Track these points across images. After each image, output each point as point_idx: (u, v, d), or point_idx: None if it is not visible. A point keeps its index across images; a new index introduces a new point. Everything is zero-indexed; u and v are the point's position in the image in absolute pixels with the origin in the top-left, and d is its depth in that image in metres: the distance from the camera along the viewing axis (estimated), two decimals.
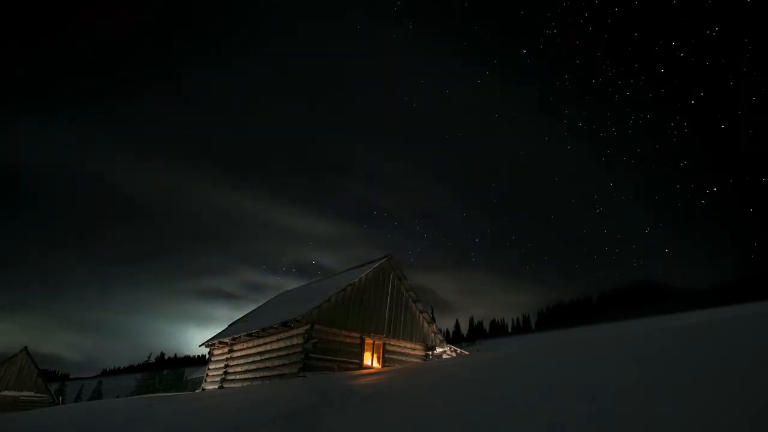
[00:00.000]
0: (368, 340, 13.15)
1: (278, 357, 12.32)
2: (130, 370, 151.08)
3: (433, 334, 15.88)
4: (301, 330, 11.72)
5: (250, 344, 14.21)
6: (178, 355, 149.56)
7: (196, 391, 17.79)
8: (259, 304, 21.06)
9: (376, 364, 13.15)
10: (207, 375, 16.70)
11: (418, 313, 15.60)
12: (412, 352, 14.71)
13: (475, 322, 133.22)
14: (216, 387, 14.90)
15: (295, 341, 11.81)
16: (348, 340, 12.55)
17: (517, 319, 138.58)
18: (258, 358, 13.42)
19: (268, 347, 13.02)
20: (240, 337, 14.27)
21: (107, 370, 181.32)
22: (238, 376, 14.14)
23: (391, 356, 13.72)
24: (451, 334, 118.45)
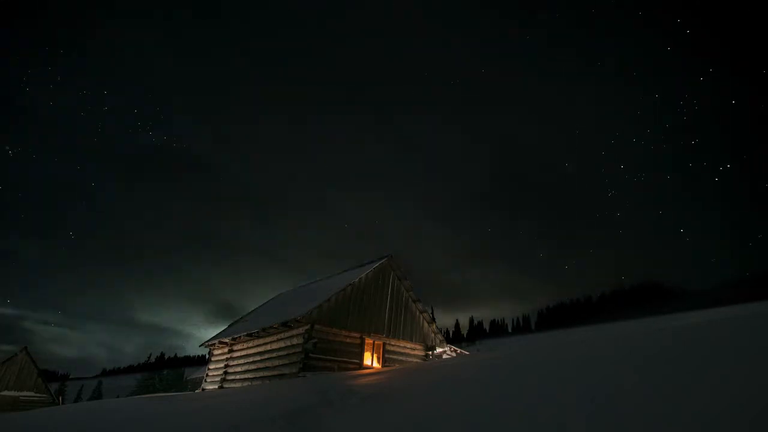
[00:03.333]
0: (368, 340, 13.15)
1: (278, 357, 12.32)
2: (130, 370, 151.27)
3: (433, 334, 15.89)
4: (301, 330, 11.72)
5: (250, 344, 14.21)
6: (178, 355, 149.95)
7: (196, 391, 17.79)
8: (260, 304, 21.06)
9: (376, 364, 13.15)
10: (207, 375, 16.70)
11: (418, 313, 15.60)
12: (412, 352, 14.71)
13: (475, 322, 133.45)
14: (216, 387, 14.90)
15: (295, 341, 11.81)
16: (348, 340, 12.55)
17: (517, 319, 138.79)
18: (258, 358, 13.42)
19: (268, 347, 13.02)
20: (240, 337, 14.27)
21: (107, 370, 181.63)
22: (238, 376, 14.14)
23: (391, 356, 13.72)
24: (451, 334, 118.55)
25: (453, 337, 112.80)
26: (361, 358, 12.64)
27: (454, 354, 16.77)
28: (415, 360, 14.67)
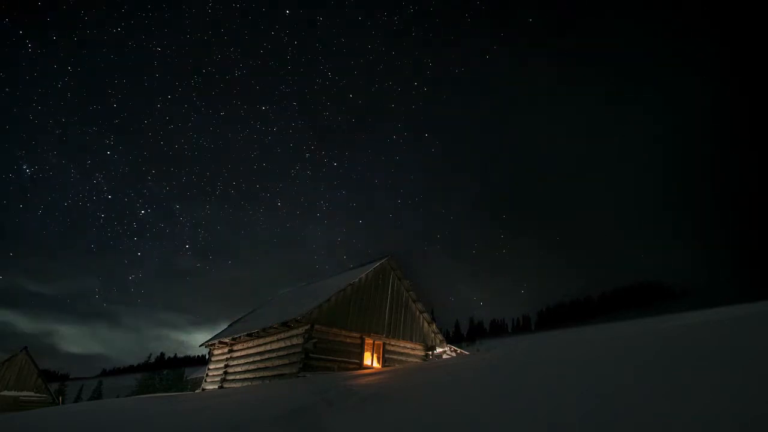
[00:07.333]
0: (368, 340, 13.16)
1: (278, 357, 12.32)
2: (130, 370, 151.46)
3: (433, 334, 15.88)
4: (301, 330, 11.72)
5: (250, 344, 14.21)
6: (178, 355, 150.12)
7: (196, 391, 17.79)
8: (260, 305, 21.07)
9: (376, 364, 13.15)
10: (207, 375, 16.70)
11: (418, 313, 15.60)
12: (412, 352, 14.71)
13: (475, 322, 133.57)
14: (216, 387, 14.90)
15: (295, 341, 11.81)
16: (348, 340, 12.55)
17: (517, 319, 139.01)
18: (258, 358, 13.42)
19: (268, 347, 13.02)
20: (240, 337, 14.27)
21: (107, 370, 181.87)
22: (238, 376, 14.14)
23: (391, 356, 13.72)
24: (451, 334, 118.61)
25: (453, 337, 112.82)
26: (361, 358, 12.64)
27: (454, 354, 16.77)
28: (415, 360, 14.67)
